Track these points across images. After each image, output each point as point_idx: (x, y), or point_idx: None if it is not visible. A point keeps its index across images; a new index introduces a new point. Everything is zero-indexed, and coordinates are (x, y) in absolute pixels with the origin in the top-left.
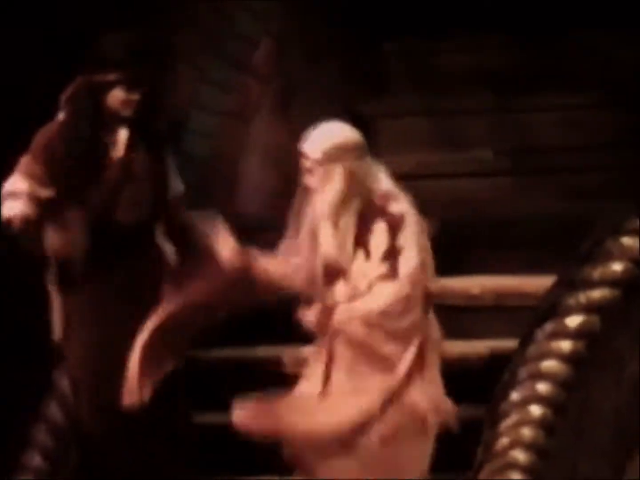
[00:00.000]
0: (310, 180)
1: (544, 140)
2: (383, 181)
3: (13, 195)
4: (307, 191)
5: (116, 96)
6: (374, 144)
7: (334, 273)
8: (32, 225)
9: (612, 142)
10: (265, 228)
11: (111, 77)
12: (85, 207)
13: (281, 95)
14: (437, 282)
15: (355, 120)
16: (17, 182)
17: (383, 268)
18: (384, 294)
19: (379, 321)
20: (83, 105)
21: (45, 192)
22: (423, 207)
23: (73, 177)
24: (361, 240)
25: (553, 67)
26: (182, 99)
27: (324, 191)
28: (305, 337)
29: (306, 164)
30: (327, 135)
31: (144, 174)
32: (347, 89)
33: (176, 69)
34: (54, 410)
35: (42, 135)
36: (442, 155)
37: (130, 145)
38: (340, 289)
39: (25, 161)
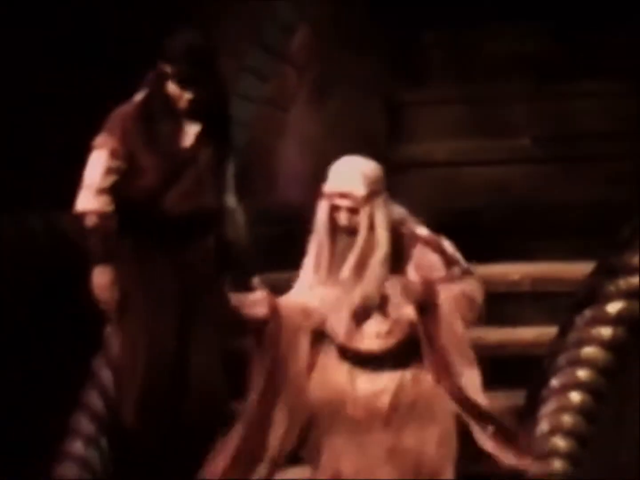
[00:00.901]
0: (352, 219)
1: (582, 127)
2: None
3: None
4: (345, 230)
5: (172, 89)
6: (413, 132)
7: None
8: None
9: None
10: (302, 217)
11: (167, 69)
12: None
13: (319, 84)
14: (476, 269)
15: (393, 108)
16: (99, 163)
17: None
18: None
19: None
20: (155, 90)
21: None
22: (462, 193)
23: (145, 157)
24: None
25: (592, 54)
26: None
27: (377, 235)
28: None
29: (347, 203)
30: (363, 170)
31: (207, 169)
32: (385, 78)
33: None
34: (94, 400)
35: (118, 114)
36: (481, 143)
37: (199, 138)
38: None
39: (102, 138)
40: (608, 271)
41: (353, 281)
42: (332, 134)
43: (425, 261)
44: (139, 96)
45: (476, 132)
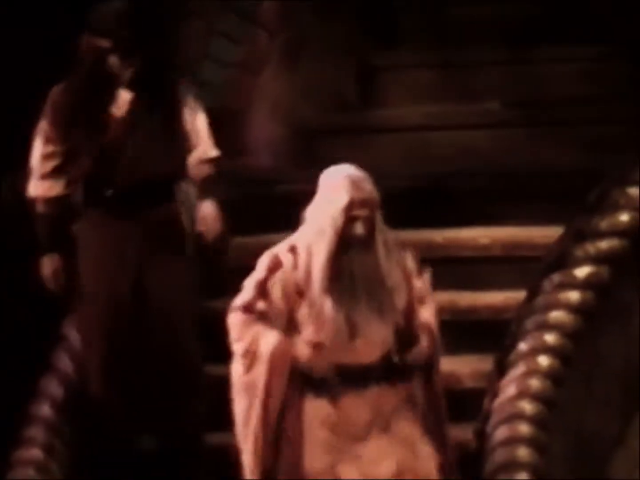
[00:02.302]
0: (368, 228)
1: (554, 92)
2: None
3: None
4: (358, 240)
5: (112, 62)
6: (384, 96)
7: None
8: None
9: (624, 94)
10: (273, 180)
11: (105, 43)
12: (87, 162)
13: (290, 47)
14: (446, 234)
15: (365, 72)
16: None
17: None
18: None
19: None
20: (86, 68)
21: (60, 148)
22: (433, 158)
23: (79, 134)
24: None
25: (566, 18)
26: (193, 51)
27: (389, 243)
28: None
29: (366, 212)
30: (365, 176)
31: (152, 135)
32: (357, 42)
33: (187, 22)
34: (64, 362)
35: (52, 96)
36: (453, 107)
37: (133, 105)
38: None
39: (40, 123)
40: (576, 236)
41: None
42: (303, 98)
43: None
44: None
45: (448, 96)
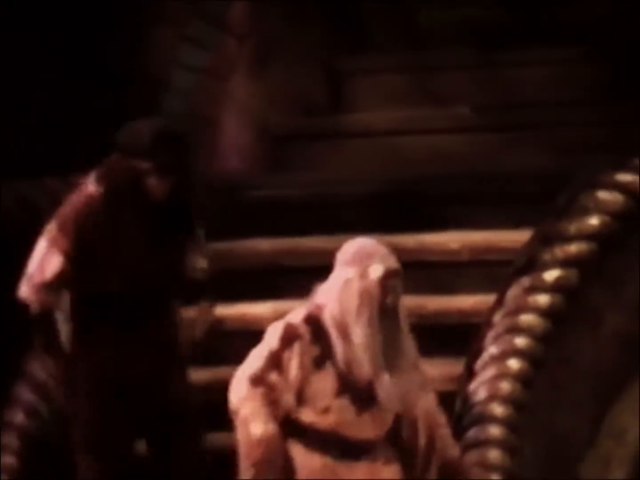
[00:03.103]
0: (392, 297)
1: (524, 96)
2: None
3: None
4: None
5: (150, 183)
6: (354, 101)
7: None
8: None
9: (594, 98)
10: (243, 185)
11: (145, 165)
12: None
13: (259, 53)
14: (416, 238)
15: (334, 76)
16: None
17: None
18: None
19: None
20: (121, 187)
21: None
22: (402, 163)
23: (94, 252)
24: None
25: (535, 22)
26: (162, 57)
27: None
28: None
29: (395, 282)
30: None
31: (165, 251)
32: (326, 46)
33: (156, 29)
34: (36, 370)
35: (72, 207)
36: (422, 112)
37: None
38: None
39: (53, 233)
40: (544, 239)
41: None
42: (273, 103)
43: None
44: (92, 188)
45: (418, 101)
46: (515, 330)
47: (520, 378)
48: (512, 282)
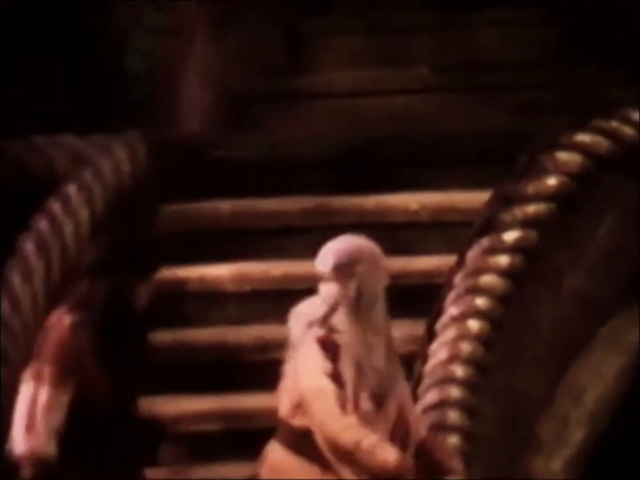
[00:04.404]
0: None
1: (483, 57)
2: None
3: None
4: None
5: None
6: (314, 62)
7: None
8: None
9: (552, 59)
10: (203, 146)
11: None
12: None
13: (219, 15)
14: (376, 199)
15: (294, 38)
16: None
17: None
18: None
19: None
20: (103, 308)
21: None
22: (363, 124)
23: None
24: None
25: None
26: (123, 19)
27: None
28: None
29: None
30: None
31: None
32: (286, 7)
33: None
34: None
35: (57, 337)
36: (382, 73)
37: None
38: None
39: (48, 371)
40: (504, 200)
41: None
42: (233, 65)
43: None
44: (68, 319)
45: (378, 62)
46: (476, 291)
47: (480, 339)
48: (472, 243)
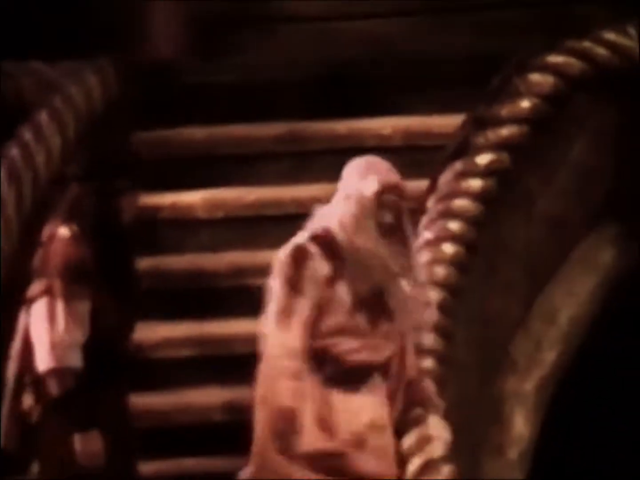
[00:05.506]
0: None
1: None
2: None
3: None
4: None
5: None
6: None
7: None
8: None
9: None
10: (175, 72)
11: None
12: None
13: None
14: (348, 124)
15: None
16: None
17: None
18: None
19: None
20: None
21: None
22: (333, 47)
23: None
24: None
25: None
26: None
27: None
28: None
29: (395, 197)
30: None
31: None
32: None
33: None
34: None
35: (62, 254)
36: None
37: None
38: None
39: (59, 285)
40: (476, 123)
41: None
42: None
43: None
44: (64, 231)
45: None
46: (449, 214)
47: (454, 262)
48: (444, 166)
